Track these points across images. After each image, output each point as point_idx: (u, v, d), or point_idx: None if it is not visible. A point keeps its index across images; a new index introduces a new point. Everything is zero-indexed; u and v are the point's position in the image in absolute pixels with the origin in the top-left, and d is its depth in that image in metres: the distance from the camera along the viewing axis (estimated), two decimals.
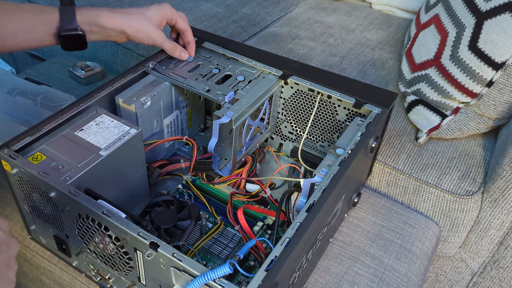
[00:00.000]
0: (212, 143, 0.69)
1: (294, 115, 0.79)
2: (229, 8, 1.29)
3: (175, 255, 0.48)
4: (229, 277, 0.59)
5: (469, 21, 0.81)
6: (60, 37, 0.67)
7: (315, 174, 0.60)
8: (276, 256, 0.49)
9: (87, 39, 0.70)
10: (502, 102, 0.81)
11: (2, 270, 0.45)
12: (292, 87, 0.76)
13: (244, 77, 0.76)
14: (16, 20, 0.65)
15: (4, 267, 0.45)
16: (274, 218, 0.69)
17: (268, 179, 0.77)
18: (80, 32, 0.68)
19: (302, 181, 0.60)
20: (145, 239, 0.50)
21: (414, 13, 1.30)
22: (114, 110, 0.71)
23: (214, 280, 0.46)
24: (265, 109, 0.77)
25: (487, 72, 0.79)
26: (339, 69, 1.06)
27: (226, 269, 0.45)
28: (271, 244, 0.60)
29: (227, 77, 0.76)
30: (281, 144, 0.85)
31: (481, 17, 0.78)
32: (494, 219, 0.81)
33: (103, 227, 0.53)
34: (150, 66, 0.75)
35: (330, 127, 0.77)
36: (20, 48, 0.68)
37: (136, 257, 0.53)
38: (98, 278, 0.63)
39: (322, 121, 0.77)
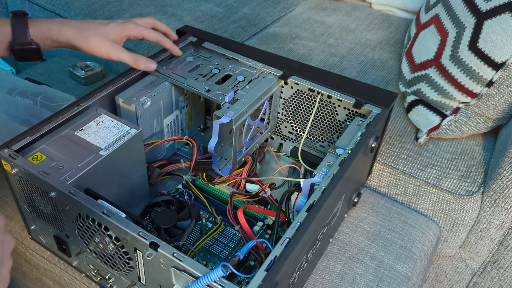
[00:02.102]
0: (212, 143, 0.69)
1: (294, 115, 0.79)
2: (229, 8, 1.29)
3: (175, 255, 0.48)
4: (229, 277, 0.59)
5: (469, 21, 0.81)
6: (13, 51, 0.66)
7: (315, 174, 0.60)
8: (276, 256, 0.49)
9: (41, 49, 0.68)
10: (502, 102, 0.81)
11: None
12: (292, 87, 0.76)
13: (244, 77, 0.76)
14: None
15: None
16: (274, 218, 0.69)
17: (268, 179, 0.77)
18: (34, 46, 0.66)
19: (302, 181, 0.60)
20: (145, 239, 0.50)
21: (414, 13, 1.30)
22: (114, 110, 0.71)
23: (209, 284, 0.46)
24: (265, 109, 0.77)
25: (487, 72, 0.79)
26: (339, 69, 1.06)
27: (219, 273, 0.45)
28: (270, 247, 0.59)
29: (227, 77, 0.76)
30: (281, 144, 0.85)
31: (481, 17, 0.78)
32: (494, 219, 0.81)
33: (103, 227, 0.53)
34: None
35: (330, 127, 0.77)
36: None
37: (136, 257, 0.53)
38: (98, 278, 0.63)
39: (322, 121, 0.77)
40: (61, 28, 0.67)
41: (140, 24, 0.74)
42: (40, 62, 1.15)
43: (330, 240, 0.74)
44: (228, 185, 0.74)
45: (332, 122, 0.76)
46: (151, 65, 0.72)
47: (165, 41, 0.76)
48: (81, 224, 0.56)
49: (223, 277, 0.46)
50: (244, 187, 0.74)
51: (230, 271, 0.46)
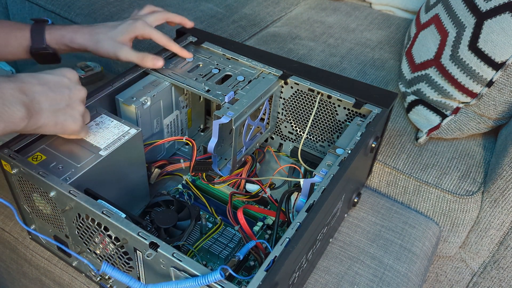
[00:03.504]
0: (212, 143, 0.69)
1: (294, 115, 0.79)
2: (229, 8, 1.29)
3: (175, 255, 0.48)
4: (229, 277, 0.59)
5: (469, 21, 0.81)
6: (32, 54, 0.72)
7: (315, 174, 0.60)
8: (276, 256, 0.49)
9: (58, 53, 0.74)
10: (502, 102, 0.81)
11: (61, 106, 0.54)
12: (292, 87, 0.76)
13: (244, 77, 0.76)
14: None
15: (64, 104, 0.55)
16: (274, 218, 0.69)
17: (268, 179, 0.77)
18: (50, 51, 0.72)
19: (302, 181, 0.60)
20: (145, 239, 0.50)
21: (414, 13, 1.30)
22: (114, 110, 0.71)
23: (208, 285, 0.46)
24: (265, 109, 0.77)
25: (487, 72, 0.79)
26: (339, 69, 1.06)
27: (217, 276, 0.45)
28: (270, 248, 0.59)
29: (227, 77, 0.76)
30: (281, 144, 0.85)
31: (481, 17, 0.78)
32: (494, 219, 0.81)
33: (102, 227, 0.53)
34: None
35: (330, 127, 0.77)
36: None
37: (136, 257, 0.53)
38: (98, 278, 0.63)
39: (322, 121, 0.77)
40: (73, 35, 0.72)
41: (151, 22, 0.75)
42: None
43: (330, 240, 0.74)
44: (228, 185, 0.74)
45: (332, 122, 0.76)
46: (158, 62, 0.73)
47: (172, 46, 0.76)
48: (81, 224, 0.56)
49: (221, 280, 0.46)
50: (244, 187, 0.74)
51: (228, 272, 0.46)
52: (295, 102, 0.78)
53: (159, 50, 0.78)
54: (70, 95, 0.56)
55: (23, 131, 0.52)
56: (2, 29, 0.71)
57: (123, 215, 0.53)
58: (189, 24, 0.81)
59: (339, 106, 0.73)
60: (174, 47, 0.77)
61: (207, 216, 0.69)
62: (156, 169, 0.73)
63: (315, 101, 0.75)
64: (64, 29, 0.72)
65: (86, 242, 0.58)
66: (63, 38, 0.72)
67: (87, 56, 1.20)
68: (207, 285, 0.46)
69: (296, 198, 0.62)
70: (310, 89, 0.74)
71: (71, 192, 0.54)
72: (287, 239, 0.51)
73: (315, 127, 0.78)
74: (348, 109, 0.73)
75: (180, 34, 0.85)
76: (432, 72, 0.88)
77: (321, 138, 0.79)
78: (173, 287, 0.46)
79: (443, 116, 0.87)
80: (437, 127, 0.87)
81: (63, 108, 0.55)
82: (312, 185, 0.60)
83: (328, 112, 0.75)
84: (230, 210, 0.68)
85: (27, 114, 0.50)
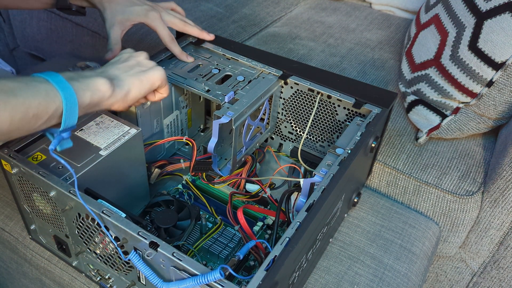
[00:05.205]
0: (212, 143, 0.69)
1: (294, 115, 0.79)
2: (229, 8, 1.29)
3: (174, 254, 0.48)
4: (229, 277, 0.59)
5: (469, 21, 0.81)
6: (57, 9, 0.80)
7: (314, 174, 0.60)
8: (275, 256, 0.49)
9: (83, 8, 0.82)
10: (502, 102, 0.81)
11: (135, 69, 0.59)
12: (292, 87, 0.76)
13: (244, 77, 0.76)
14: None
15: (137, 66, 0.60)
16: (274, 218, 0.69)
17: (268, 179, 0.77)
18: (74, 9, 0.79)
19: (302, 181, 0.60)
20: (145, 238, 0.50)
21: (414, 13, 1.30)
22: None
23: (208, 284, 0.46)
24: (265, 109, 0.77)
25: (487, 72, 0.79)
26: (339, 69, 1.06)
27: (217, 275, 0.45)
28: (270, 248, 0.59)
29: (227, 77, 0.76)
30: (281, 144, 0.85)
31: (481, 17, 0.78)
32: (494, 219, 0.81)
33: (102, 226, 0.53)
34: None
35: (330, 127, 0.77)
36: (29, 8, 0.83)
37: None
38: (98, 278, 0.63)
39: (322, 121, 0.77)
40: None
41: (166, 20, 0.77)
42: (40, 62, 1.15)
43: (330, 240, 0.74)
44: (228, 185, 0.74)
45: (332, 122, 0.76)
46: (109, 55, 0.76)
47: (174, 48, 0.77)
48: (81, 224, 0.56)
49: (221, 279, 0.46)
50: (244, 187, 0.74)
51: (228, 272, 0.46)
52: (295, 102, 0.78)
53: (161, 49, 0.78)
54: (136, 59, 0.61)
55: (115, 104, 0.56)
56: None
57: (123, 215, 0.53)
58: (208, 37, 0.82)
59: (339, 106, 0.73)
60: (175, 50, 0.77)
61: (207, 216, 0.69)
62: (156, 169, 0.73)
63: (315, 101, 0.75)
64: None
65: (86, 242, 0.58)
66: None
67: (87, 56, 1.20)
68: (207, 284, 0.46)
69: (296, 198, 0.62)
70: (310, 89, 0.74)
71: (71, 191, 0.54)
72: (287, 239, 0.51)
73: (315, 127, 0.78)
74: (348, 109, 0.73)
75: (180, 34, 0.85)
76: (432, 72, 0.88)
77: (321, 138, 0.79)
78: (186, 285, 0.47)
79: (443, 116, 0.87)
80: (437, 127, 0.87)
81: (138, 68, 0.59)
82: (312, 185, 0.60)
83: (328, 112, 0.75)
84: (230, 210, 0.68)
85: (111, 85, 0.55)
